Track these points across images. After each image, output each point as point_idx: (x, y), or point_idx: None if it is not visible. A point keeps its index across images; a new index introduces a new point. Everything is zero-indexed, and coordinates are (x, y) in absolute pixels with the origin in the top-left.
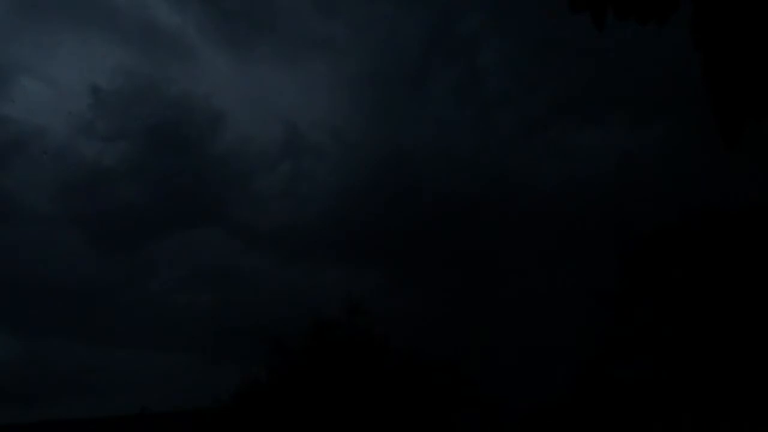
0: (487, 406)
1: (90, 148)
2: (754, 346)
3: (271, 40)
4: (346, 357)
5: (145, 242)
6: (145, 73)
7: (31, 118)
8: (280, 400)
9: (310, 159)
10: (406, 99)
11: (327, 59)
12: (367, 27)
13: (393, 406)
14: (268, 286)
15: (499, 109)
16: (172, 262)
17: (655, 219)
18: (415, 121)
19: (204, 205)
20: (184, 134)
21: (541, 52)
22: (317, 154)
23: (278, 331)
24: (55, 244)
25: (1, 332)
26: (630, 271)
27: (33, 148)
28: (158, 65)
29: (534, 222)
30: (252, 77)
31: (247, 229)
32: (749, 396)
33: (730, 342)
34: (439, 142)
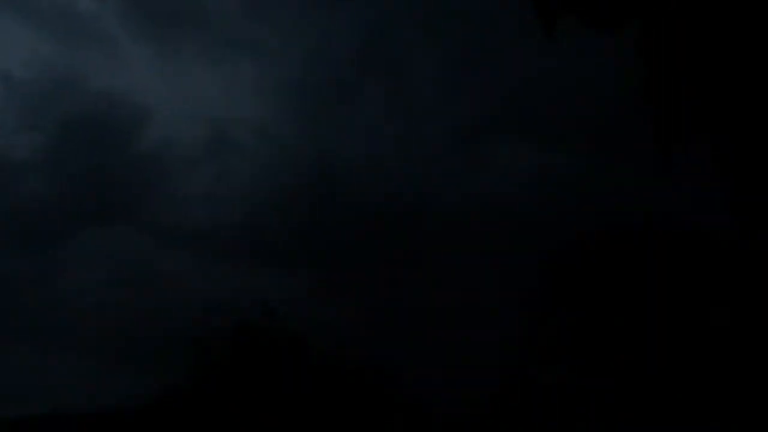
0: (411, 409)
1: None
2: (671, 348)
3: (198, 39)
4: (267, 360)
5: (57, 240)
6: (63, 63)
7: None
8: (199, 404)
9: (234, 160)
10: (336, 107)
11: (256, 62)
12: (298, 34)
13: (316, 409)
14: (189, 288)
15: (427, 122)
16: (86, 262)
17: (573, 231)
18: (344, 130)
19: (122, 204)
20: (103, 129)
21: (470, 67)
22: (242, 156)
23: (198, 334)
24: None
25: None
26: (551, 277)
27: None
28: (78, 56)
29: (457, 232)
30: (177, 74)
31: (168, 229)
32: (669, 398)
33: (649, 345)
34: (367, 151)
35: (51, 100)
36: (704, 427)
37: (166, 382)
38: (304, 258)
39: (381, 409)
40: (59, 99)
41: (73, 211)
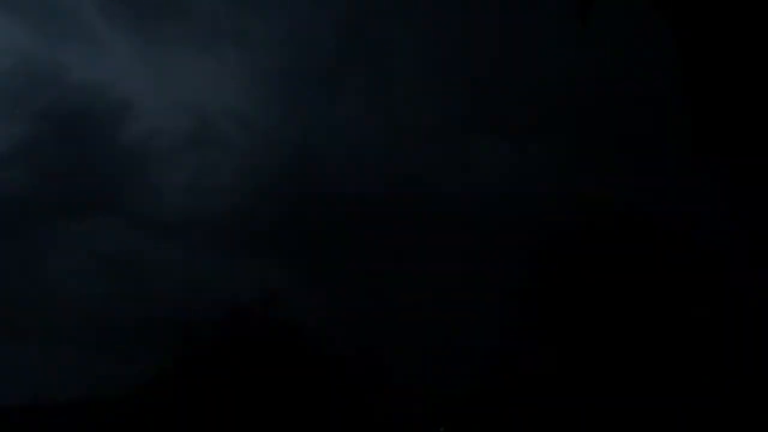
0: (399, 396)
1: None
2: (653, 336)
3: (181, 29)
4: (261, 346)
5: (38, 231)
6: (43, 54)
7: None
8: (191, 391)
9: (218, 150)
10: (318, 97)
11: (239, 52)
12: (282, 23)
13: (307, 395)
14: (173, 277)
15: (409, 112)
16: (68, 252)
17: (555, 223)
18: (326, 119)
19: (105, 195)
20: (85, 120)
21: (451, 59)
22: (226, 146)
23: (184, 322)
24: None
25: None
26: (536, 267)
27: None
28: (58, 47)
29: (441, 222)
30: (159, 64)
31: (151, 219)
32: (648, 386)
33: (631, 334)
34: (349, 140)
35: (31, 92)
36: (683, 404)
37: (151, 370)
38: (288, 248)
39: (372, 395)
40: (39, 90)
41: (54, 202)
